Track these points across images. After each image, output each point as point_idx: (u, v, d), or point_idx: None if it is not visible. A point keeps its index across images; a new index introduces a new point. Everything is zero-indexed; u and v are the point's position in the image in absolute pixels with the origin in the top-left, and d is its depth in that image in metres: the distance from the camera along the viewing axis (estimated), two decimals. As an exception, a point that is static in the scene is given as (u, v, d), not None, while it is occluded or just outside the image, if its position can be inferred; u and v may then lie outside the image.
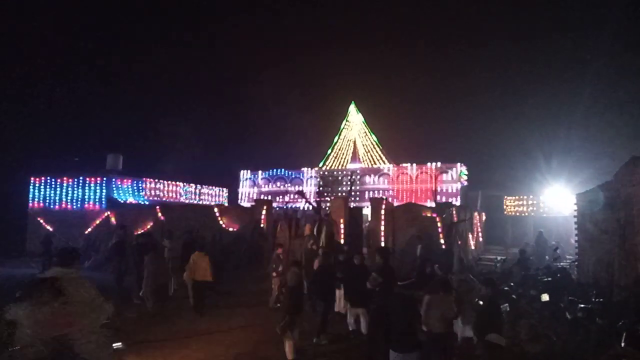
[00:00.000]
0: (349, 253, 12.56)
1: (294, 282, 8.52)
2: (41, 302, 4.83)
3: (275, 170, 37.87)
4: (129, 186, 25.14)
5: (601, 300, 9.32)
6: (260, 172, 38.03)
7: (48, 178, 24.77)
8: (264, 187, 37.45)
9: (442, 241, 17.98)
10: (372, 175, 35.30)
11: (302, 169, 37.18)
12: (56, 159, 30.77)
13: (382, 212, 19.07)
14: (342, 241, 18.01)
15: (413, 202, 29.97)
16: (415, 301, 7.08)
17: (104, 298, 5.40)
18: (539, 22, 67.42)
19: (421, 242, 16.47)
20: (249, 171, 38.25)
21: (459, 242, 20.10)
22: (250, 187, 37.86)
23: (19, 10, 49.64)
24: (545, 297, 10.25)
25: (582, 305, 8.72)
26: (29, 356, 4.71)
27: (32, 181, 24.95)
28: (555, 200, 28.62)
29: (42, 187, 24.79)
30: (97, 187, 23.85)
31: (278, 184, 37.29)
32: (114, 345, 5.70)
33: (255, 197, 33.90)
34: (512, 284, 12.10)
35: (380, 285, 8.41)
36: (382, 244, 17.86)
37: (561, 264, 17.76)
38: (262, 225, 20.14)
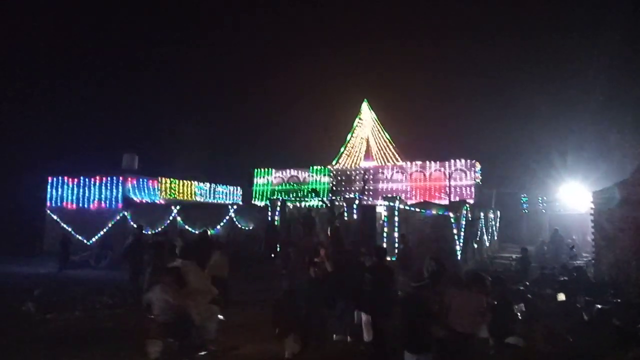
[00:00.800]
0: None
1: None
2: (167, 284, 7.15)
3: (288, 169, 37.94)
4: (145, 185, 25.36)
5: (619, 300, 9.22)
6: (273, 170, 38.12)
7: (65, 177, 25.06)
8: (278, 185, 37.54)
9: (456, 240, 17.90)
10: (385, 173, 35.22)
11: (316, 167, 37.20)
12: (73, 158, 31.05)
13: (396, 211, 19.03)
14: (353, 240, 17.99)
15: (427, 199, 29.89)
16: (430, 301, 6.99)
17: (211, 284, 8.02)
18: (552, 18, 66.58)
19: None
20: (262, 169, 38.36)
21: (474, 241, 20.02)
22: (264, 185, 37.97)
23: (36, 8, 50.23)
24: (561, 297, 10.19)
25: (599, 306, 8.65)
26: (160, 320, 6.98)
27: (49, 181, 25.26)
28: (571, 197, 28.34)
29: (59, 186, 25.09)
30: (113, 187, 24.09)
31: (292, 182, 37.37)
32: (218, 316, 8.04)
33: (268, 196, 34.03)
34: (527, 283, 12.02)
35: (371, 285, 8.26)
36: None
37: (577, 262, 17.61)
38: (276, 224, 20.22)
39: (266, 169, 38.15)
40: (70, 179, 24.94)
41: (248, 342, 8.91)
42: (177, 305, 7.05)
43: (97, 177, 24.41)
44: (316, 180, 36.48)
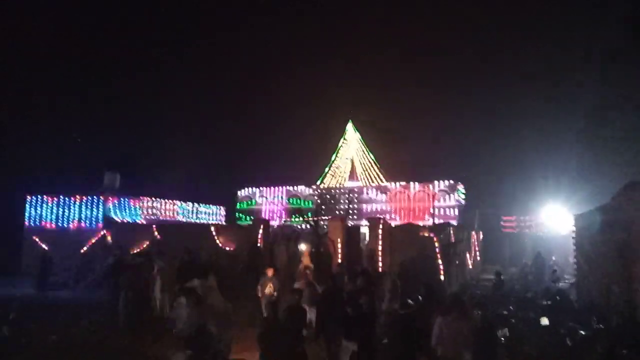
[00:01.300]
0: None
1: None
2: (192, 303, 8.19)
3: (272, 188, 37.86)
4: (126, 204, 25.04)
5: (601, 326, 9.25)
6: (257, 189, 37.99)
7: (44, 196, 24.64)
8: (262, 205, 37.39)
9: (439, 262, 17.89)
10: (370, 194, 35.30)
11: (300, 187, 37.15)
12: (53, 176, 30.60)
13: (380, 232, 19.00)
14: (339, 261, 17.91)
15: (411, 220, 29.98)
16: (417, 328, 6.95)
17: (226, 300, 8.94)
18: (535, 43, 67.88)
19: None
20: (246, 189, 38.21)
21: (457, 263, 20.04)
22: (247, 205, 37.79)
23: (17, 26, 49.86)
24: (544, 321, 10.17)
25: (582, 332, 8.65)
26: (185, 332, 7.77)
27: (27, 199, 24.81)
28: (553, 218, 28.61)
29: (38, 205, 24.64)
30: (94, 206, 23.73)
31: (275, 201, 37.24)
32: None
33: (252, 215, 33.85)
34: (510, 307, 12.01)
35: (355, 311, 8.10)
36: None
37: (560, 284, 17.71)
38: (259, 245, 20.02)
39: (250, 188, 38.02)
40: (49, 198, 24.53)
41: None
42: (197, 320, 7.85)
43: (77, 196, 24.04)
44: (300, 200, 36.40)
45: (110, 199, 24.23)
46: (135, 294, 13.68)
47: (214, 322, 8.02)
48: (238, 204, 38.18)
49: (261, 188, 38.14)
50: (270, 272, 12.78)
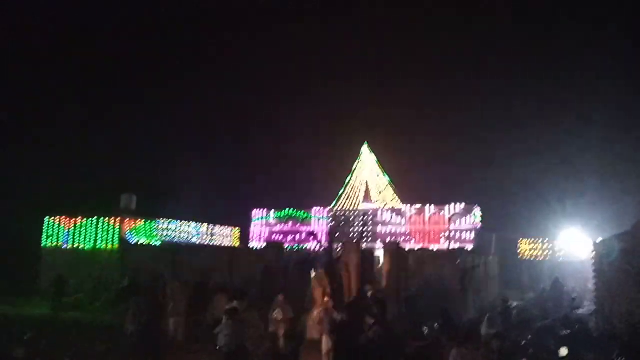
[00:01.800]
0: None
1: None
2: (233, 322, 9.27)
3: (287, 209, 37.84)
4: (142, 227, 25.17)
5: (624, 359, 8.99)
6: (272, 211, 38.00)
7: (62, 217, 24.88)
8: (276, 226, 37.35)
9: (456, 288, 17.68)
10: (385, 216, 35.10)
11: (314, 208, 37.10)
12: (70, 198, 30.94)
13: (395, 257, 18.83)
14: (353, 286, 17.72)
15: (426, 243, 29.72)
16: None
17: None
18: (553, 61, 67.82)
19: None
20: (260, 210, 38.24)
21: (474, 289, 19.77)
22: (261, 226, 37.78)
23: (30, 39, 51.06)
24: (564, 352, 9.92)
25: (603, 365, 8.41)
26: (225, 350, 9.09)
27: (45, 220, 25.07)
28: (572, 244, 28.16)
29: (55, 226, 24.89)
30: (110, 227, 23.89)
31: (290, 223, 37.19)
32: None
33: (266, 237, 33.82)
34: (529, 336, 11.75)
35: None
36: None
37: (580, 310, 17.34)
38: (272, 268, 19.97)
39: (264, 210, 38.06)
40: (67, 219, 24.76)
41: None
42: (237, 337, 9.02)
43: (94, 218, 24.24)
44: (314, 222, 36.28)
45: (127, 220, 24.38)
46: (149, 317, 13.71)
47: (251, 337, 9.28)
48: (252, 224, 38.19)
49: (276, 210, 38.13)
50: (281, 297, 12.64)
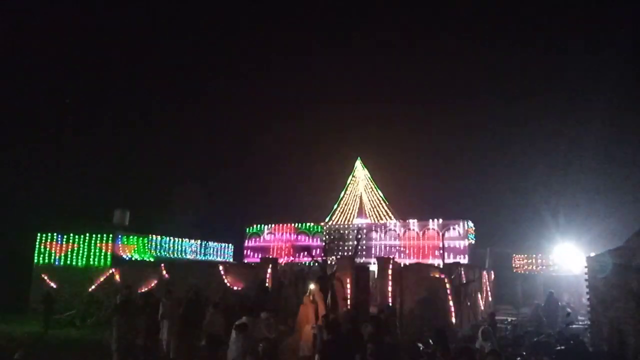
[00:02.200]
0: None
1: None
2: (242, 337, 9.68)
3: (280, 225, 37.78)
4: (135, 242, 25.05)
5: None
6: (265, 227, 37.92)
7: (54, 234, 24.73)
8: (270, 242, 37.25)
9: (450, 303, 17.61)
10: (379, 231, 35.10)
11: (308, 224, 37.06)
12: (62, 213, 30.79)
13: (390, 272, 18.79)
14: (347, 301, 17.67)
15: (420, 259, 29.71)
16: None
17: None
18: (546, 77, 68.52)
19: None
20: (254, 226, 38.15)
21: (469, 304, 19.72)
22: (255, 242, 37.67)
23: (28, 53, 51.09)
24: (559, 367, 9.92)
25: (598, 381, 8.40)
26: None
27: (37, 236, 24.91)
28: (566, 258, 28.21)
29: (47, 242, 24.72)
30: (103, 243, 23.75)
31: (284, 239, 37.10)
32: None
33: (260, 254, 33.69)
34: (524, 352, 11.73)
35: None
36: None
37: (574, 325, 17.31)
38: (267, 285, 19.84)
39: (258, 225, 37.97)
40: (59, 236, 24.61)
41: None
42: (245, 352, 9.08)
43: (87, 234, 24.11)
44: (309, 237, 36.21)
45: (119, 236, 24.27)
46: (132, 336, 13.62)
47: (259, 353, 8.99)
48: (246, 240, 38.07)
49: (269, 225, 38.06)
50: (264, 315, 12.38)
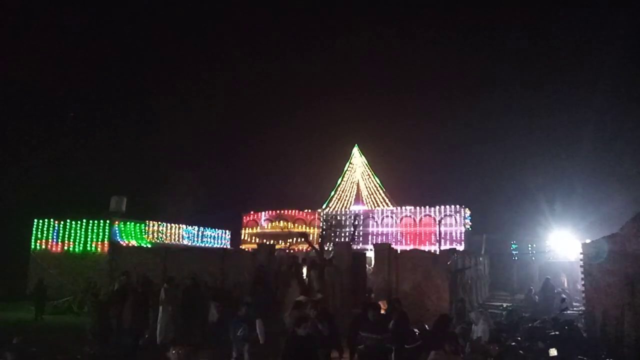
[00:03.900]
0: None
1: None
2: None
3: (278, 211, 37.81)
4: (132, 229, 25.05)
5: (611, 360, 9.10)
6: (263, 213, 37.96)
7: (51, 219, 24.71)
8: (267, 228, 37.30)
9: (446, 289, 17.72)
10: (375, 218, 35.18)
11: (305, 210, 37.11)
12: (59, 199, 30.75)
13: (386, 258, 18.89)
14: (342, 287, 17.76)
15: (417, 245, 29.81)
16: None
17: None
18: (542, 67, 68.33)
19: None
20: (252, 213, 38.19)
21: (464, 290, 19.82)
22: (252, 228, 37.73)
23: (27, 44, 50.68)
24: (553, 352, 9.99)
25: (592, 366, 8.49)
26: None
27: (34, 222, 24.88)
28: (561, 245, 28.35)
29: (44, 228, 24.70)
30: (100, 230, 23.76)
31: (281, 225, 37.14)
32: None
33: (257, 240, 33.77)
34: (519, 337, 11.82)
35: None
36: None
37: (569, 311, 17.46)
38: (264, 270, 19.85)
39: (255, 212, 38.01)
40: (56, 221, 24.59)
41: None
42: None
43: (84, 220, 24.10)
44: (306, 224, 36.28)
45: (116, 222, 24.27)
46: (139, 321, 13.73)
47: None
48: (243, 226, 38.13)
49: (267, 212, 38.10)
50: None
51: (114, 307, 14.11)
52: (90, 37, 63.04)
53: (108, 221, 23.94)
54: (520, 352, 10.31)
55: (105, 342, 12.97)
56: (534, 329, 13.10)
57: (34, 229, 24.80)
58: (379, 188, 39.26)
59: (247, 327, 10.77)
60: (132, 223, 25.18)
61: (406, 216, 34.27)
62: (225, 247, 31.31)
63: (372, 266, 20.10)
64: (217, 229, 32.77)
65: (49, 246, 24.37)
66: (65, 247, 24.08)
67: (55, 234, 24.47)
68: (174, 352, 7.07)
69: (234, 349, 11.09)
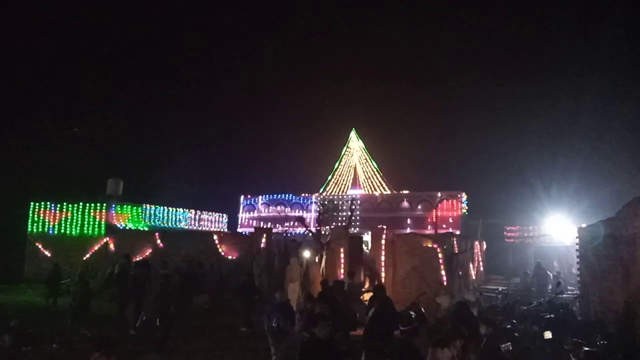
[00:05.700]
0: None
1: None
2: None
3: (275, 195, 37.77)
4: (129, 212, 25.02)
5: (605, 343, 9.17)
6: (260, 197, 37.92)
7: (47, 202, 24.68)
8: (264, 212, 37.30)
9: (442, 272, 17.83)
10: (373, 202, 35.20)
11: (302, 194, 37.08)
12: (56, 182, 30.65)
13: (383, 242, 18.96)
14: (341, 271, 17.84)
15: (413, 230, 29.89)
16: (415, 348, 6.92)
17: None
18: (537, 55, 68.05)
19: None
20: (249, 196, 38.16)
21: (460, 274, 19.96)
22: (249, 212, 37.71)
23: (29, 39, 50.17)
24: (548, 335, 10.06)
25: (586, 349, 8.56)
26: None
27: (31, 205, 24.84)
28: (557, 229, 28.47)
29: (41, 211, 24.67)
30: (97, 213, 23.73)
31: (278, 209, 37.13)
32: None
33: (254, 223, 33.77)
34: (514, 320, 11.93)
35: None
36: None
37: (564, 295, 17.61)
38: (261, 253, 19.89)
39: (252, 196, 37.99)
40: (52, 204, 24.56)
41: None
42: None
43: (80, 203, 24.07)
44: (303, 207, 36.29)
45: (113, 205, 24.25)
46: (139, 304, 13.82)
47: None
48: (240, 210, 38.09)
49: (264, 195, 38.05)
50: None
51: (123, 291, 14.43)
52: (86, 14, 62.42)
53: (105, 204, 23.92)
54: (516, 334, 10.41)
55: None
56: (529, 312, 13.21)
57: (30, 212, 24.77)
58: (376, 172, 39.21)
59: (282, 316, 9.67)
60: (129, 206, 25.14)
61: (403, 200, 34.28)
62: (221, 230, 31.35)
63: (369, 250, 20.15)
64: (214, 213, 32.77)
65: (46, 229, 24.36)
66: (62, 230, 24.07)
67: (52, 216, 24.45)
68: None
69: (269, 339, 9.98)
